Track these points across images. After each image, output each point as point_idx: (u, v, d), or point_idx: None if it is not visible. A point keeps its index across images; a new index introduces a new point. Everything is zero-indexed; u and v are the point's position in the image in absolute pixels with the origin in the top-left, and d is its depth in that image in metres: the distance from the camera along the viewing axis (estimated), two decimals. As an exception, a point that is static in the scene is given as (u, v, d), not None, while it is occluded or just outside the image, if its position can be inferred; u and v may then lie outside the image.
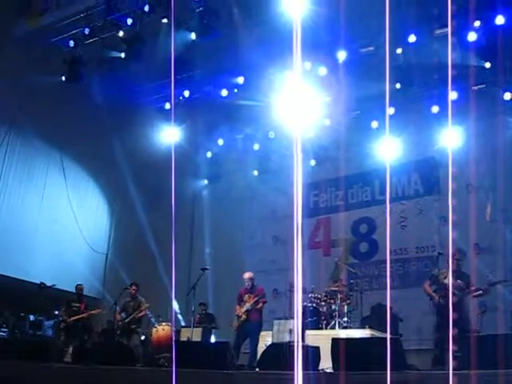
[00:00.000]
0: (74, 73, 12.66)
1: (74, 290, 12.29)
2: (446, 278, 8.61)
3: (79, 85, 12.85)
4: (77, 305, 11.39)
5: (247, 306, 10.15)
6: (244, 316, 10.14)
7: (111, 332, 11.40)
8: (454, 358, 5.98)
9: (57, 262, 13.42)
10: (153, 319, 11.70)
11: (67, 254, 13.84)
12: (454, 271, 8.54)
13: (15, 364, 8.42)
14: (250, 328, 10.14)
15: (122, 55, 12.31)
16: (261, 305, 10.24)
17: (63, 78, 12.80)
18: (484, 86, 11.98)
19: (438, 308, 8.49)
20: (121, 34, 12.16)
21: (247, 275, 10.57)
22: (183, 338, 11.09)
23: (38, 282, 11.84)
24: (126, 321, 10.66)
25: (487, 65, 11.38)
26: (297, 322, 8.42)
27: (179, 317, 13.26)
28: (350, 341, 7.62)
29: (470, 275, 8.73)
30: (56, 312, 11.38)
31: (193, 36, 11.68)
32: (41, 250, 13.52)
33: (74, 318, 11.19)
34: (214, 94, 13.95)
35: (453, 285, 8.42)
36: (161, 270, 13.44)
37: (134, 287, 11.13)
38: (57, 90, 12.84)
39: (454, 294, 8.25)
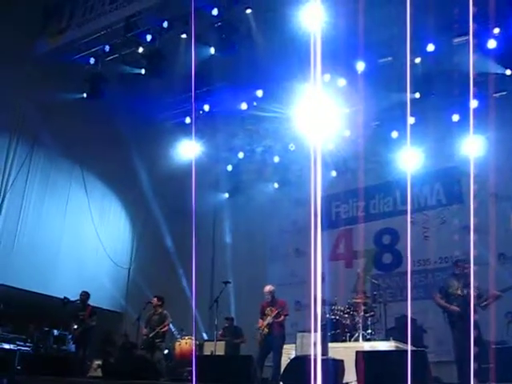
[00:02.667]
0: (94, 89, 12.83)
1: (97, 305, 12.36)
2: (457, 289, 8.48)
3: (100, 101, 13.01)
4: (82, 313, 11.43)
5: (269, 319, 10.11)
6: (266, 330, 10.09)
7: (129, 345, 11.41)
8: (480, 370, 5.89)
9: (80, 276, 13.51)
10: (176, 333, 11.71)
11: (90, 269, 13.94)
12: (460, 280, 8.44)
13: (40, 379, 8.47)
14: (273, 341, 10.09)
15: (142, 71, 12.46)
16: (282, 317, 10.19)
17: (84, 95, 12.98)
18: (505, 93, 11.88)
19: (454, 320, 8.37)
20: (140, 50, 12.31)
21: (267, 288, 10.53)
22: (206, 352, 11.07)
23: (62, 297, 11.92)
24: (151, 335, 10.66)
25: (508, 72, 11.29)
26: (315, 335, 8.37)
27: (202, 331, 13.25)
28: (374, 353, 7.54)
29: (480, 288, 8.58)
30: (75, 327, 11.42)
31: (212, 51, 11.78)
32: (64, 265, 13.64)
33: (80, 329, 11.25)
34: (233, 108, 14.01)
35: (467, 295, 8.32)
36: (183, 284, 13.48)
37: (155, 299, 11.13)
38: (78, 107, 13.01)
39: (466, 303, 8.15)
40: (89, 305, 11.67)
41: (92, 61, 12.72)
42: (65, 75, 12.72)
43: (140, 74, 12.52)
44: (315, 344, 9.30)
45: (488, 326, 8.57)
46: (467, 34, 9.60)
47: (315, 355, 8.95)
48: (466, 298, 8.15)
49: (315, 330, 9.42)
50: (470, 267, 8.49)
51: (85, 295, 11.69)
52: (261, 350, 10.12)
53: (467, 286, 8.36)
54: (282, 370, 8.37)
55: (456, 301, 8.38)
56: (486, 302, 8.28)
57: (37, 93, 12.35)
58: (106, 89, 12.87)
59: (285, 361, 9.30)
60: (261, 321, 10.30)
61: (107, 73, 12.83)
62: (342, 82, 12.51)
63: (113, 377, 8.45)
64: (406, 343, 9.54)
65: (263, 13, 11.37)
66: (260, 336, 10.18)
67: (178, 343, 11.24)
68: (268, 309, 10.25)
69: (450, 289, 8.56)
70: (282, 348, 10.07)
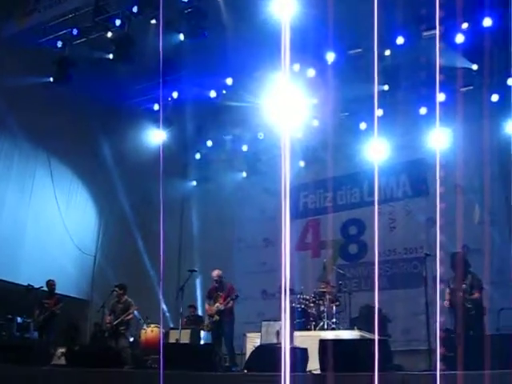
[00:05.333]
0: (62, 74, 12.59)
1: (62, 292, 12.24)
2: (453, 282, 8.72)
3: (67, 86, 12.78)
4: (47, 301, 11.34)
5: (219, 306, 10.17)
6: (217, 316, 10.17)
7: (99, 334, 11.34)
8: (445, 358, 6.01)
9: (45, 263, 13.32)
10: (141, 321, 11.66)
11: (55, 256, 13.75)
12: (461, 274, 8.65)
13: (2, 367, 8.37)
14: (224, 327, 10.18)
15: (111, 56, 12.26)
16: (232, 303, 10.27)
17: (51, 79, 12.74)
18: (472, 87, 12.05)
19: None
20: (109, 34, 12.11)
21: (215, 273, 10.59)
22: (171, 340, 11.06)
23: (26, 284, 11.77)
24: (115, 323, 10.60)
25: (474, 67, 11.45)
26: (281, 324, 8.42)
27: (168, 318, 13.23)
28: (337, 342, 7.62)
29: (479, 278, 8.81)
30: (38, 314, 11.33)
31: (181, 37, 11.67)
32: (29, 252, 13.43)
33: (42, 316, 11.16)
34: (202, 95, 13.94)
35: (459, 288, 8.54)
36: (150, 272, 13.41)
37: (118, 289, 11.06)
38: (45, 91, 12.77)
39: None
40: (56, 293, 11.58)
41: (59, 44, 12.46)
42: (31, 58, 12.48)
43: (108, 58, 12.32)
44: (279, 332, 9.42)
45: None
46: (436, 27, 9.71)
47: (281, 343, 9.05)
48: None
49: (284, 319, 9.53)
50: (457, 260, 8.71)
51: (52, 283, 11.59)
52: (213, 337, 10.22)
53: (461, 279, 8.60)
54: (247, 357, 8.42)
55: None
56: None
57: (2, 76, 12.09)
58: (74, 73, 12.63)
59: (250, 349, 9.36)
60: (208, 306, 10.38)
61: (75, 57, 12.59)
62: (311, 72, 12.54)
63: (77, 364, 8.39)
64: (370, 332, 9.69)
65: (234, 0, 11.31)
66: (210, 323, 10.26)
67: (143, 331, 11.21)
68: (216, 294, 10.32)
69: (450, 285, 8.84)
70: (233, 333, 10.18)
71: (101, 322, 11.49)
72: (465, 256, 9.07)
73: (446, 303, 8.71)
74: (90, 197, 15.58)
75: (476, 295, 8.63)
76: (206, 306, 10.56)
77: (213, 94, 13.84)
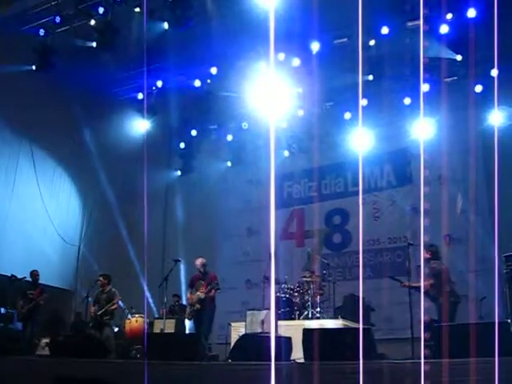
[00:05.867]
0: (44, 62, 12.44)
1: (46, 282, 12.18)
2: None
3: (50, 74, 12.64)
4: (32, 292, 11.30)
5: (201, 295, 10.17)
6: (198, 305, 10.18)
7: (81, 324, 11.31)
8: (428, 347, 6.08)
9: (28, 253, 13.22)
10: (126, 311, 11.64)
11: (38, 246, 13.65)
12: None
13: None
14: (204, 315, 10.20)
15: (94, 44, 12.13)
16: (213, 292, 10.28)
17: (33, 67, 12.59)
18: (456, 78, 12.11)
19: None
20: (92, 22, 11.96)
21: (199, 261, 10.58)
22: (156, 330, 11.06)
23: (9, 275, 11.68)
24: (99, 313, 10.57)
25: (459, 57, 11.51)
26: (268, 313, 8.46)
27: (153, 308, 13.21)
28: (320, 331, 7.65)
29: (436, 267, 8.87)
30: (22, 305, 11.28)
31: (165, 26, 11.58)
32: (12, 242, 13.30)
33: (26, 307, 11.13)
34: (187, 85, 13.86)
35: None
36: (134, 262, 13.38)
37: (102, 278, 11.02)
38: (27, 79, 12.61)
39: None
40: (39, 284, 11.53)
41: (42, 32, 12.30)
42: (13, 46, 12.28)
43: (91, 47, 12.19)
44: (264, 322, 9.46)
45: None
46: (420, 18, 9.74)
47: (265, 332, 9.09)
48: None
49: (270, 308, 9.58)
50: (432, 251, 8.78)
51: (36, 274, 11.53)
52: (195, 326, 10.24)
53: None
54: (231, 347, 8.44)
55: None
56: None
57: (-17, 64, 11.94)
58: (56, 61, 12.48)
59: (234, 338, 9.39)
60: (189, 294, 10.39)
61: (57, 45, 12.45)
62: (296, 61, 12.52)
63: (61, 355, 8.36)
64: (354, 321, 9.76)
65: (219, -11, 11.25)
66: (191, 311, 10.27)
67: (128, 321, 11.19)
68: (198, 282, 10.32)
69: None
70: (212, 320, 10.21)
71: (84, 312, 11.45)
72: (432, 248, 9.08)
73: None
74: (74, 186, 15.45)
75: (418, 284, 8.69)
76: (188, 295, 10.55)
77: (197, 83, 13.77)
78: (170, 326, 10.91)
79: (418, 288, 8.68)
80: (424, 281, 8.62)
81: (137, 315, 11.23)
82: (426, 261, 8.91)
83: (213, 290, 10.27)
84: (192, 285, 10.48)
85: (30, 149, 14.07)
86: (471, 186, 12.28)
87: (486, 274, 10.95)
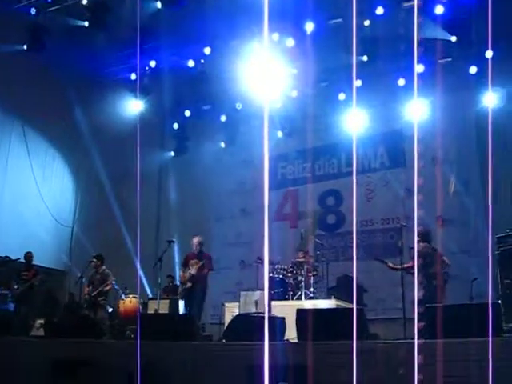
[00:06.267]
0: (36, 41, 12.33)
1: (40, 264, 12.19)
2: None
3: (42, 54, 12.52)
4: (26, 273, 11.32)
5: (192, 271, 10.15)
6: (189, 284, 10.17)
7: (74, 305, 11.34)
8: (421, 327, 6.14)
9: (21, 234, 13.20)
10: (120, 291, 11.67)
11: (32, 227, 13.63)
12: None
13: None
14: (196, 296, 10.19)
15: (86, 24, 12.02)
16: (206, 271, 10.28)
17: (25, 47, 12.47)
18: (450, 59, 12.07)
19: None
20: (84, 1, 11.83)
21: (196, 240, 10.57)
22: (150, 311, 11.10)
23: (3, 256, 11.67)
24: (93, 294, 10.60)
25: (453, 38, 11.45)
26: (262, 293, 8.50)
27: (146, 289, 13.25)
28: (314, 311, 7.71)
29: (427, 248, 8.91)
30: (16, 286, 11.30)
31: (159, 5, 11.47)
32: (5, 224, 13.26)
33: (20, 288, 11.15)
34: (180, 65, 13.75)
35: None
36: (128, 242, 13.38)
37: (95, 259, 11.04)
38: (18, 59, 12.50)
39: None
40: (33, 265, 11.53)
41: (33, 11, 12.17)
42: (4, 26, 12.18)
43: (84, 26, 12.09)
44: (257, 302, 9.51)
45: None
46: (416, -2, 9.68)
47: (259, 313, 9.14)
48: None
49: (263, 289, 9.61)
50: (421, 230, 8.81)
51: (30, 255, 11.53)
52: (185, 305, 10.24)
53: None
54: (225, 327, 8.49)
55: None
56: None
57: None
58: (48, 41, 12.38)
59: (228, 318, 9.44)
60: (182, 273, 10.39)
61: (49, 24, 12.32)
62: (290, 41, 12.43)
63: (55, 336, 8.39)
64: (347, 302, 9.83)
65: (212, -32, 11.13)
66: (182, 290, 10.27)
67: (122, 302, 11.22)
68: (193, 261, 10.31)
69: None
70: (203, 300, 10.21)
71: (78, 293, 11.48)
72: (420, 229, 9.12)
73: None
74: (67, 167, 15.39)
75: (403, 265, 8.74)
76: (180, 273, 10.53)
77: (191, 63, 13.66)
78: (163, 307, 10.95)
79: (405, 269, 8.75)
80: (411, 262, 8.69)
81: (131, 296, 11.26)
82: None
83: (205, 269, 10.26)
84: (185, 264, 10.47)
85: (22, 129, 13.99)
86: (465, 167, 12.33)
87: (477, 256, 11.02)
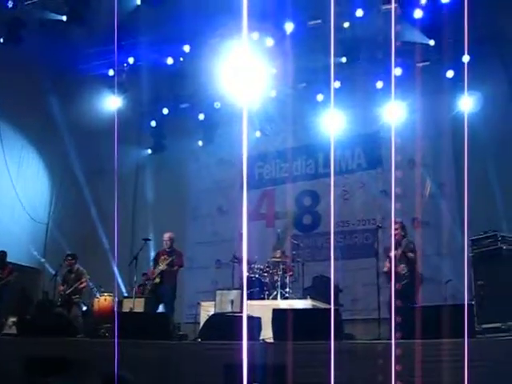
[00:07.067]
0: (12, 35, 12.16)
1: (13, 261, 12.03)
2: (390, 251, 8.88)
3: (18, 48, 12.35)
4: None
5: (162, 266, 10.10)
6: (157, 279, 10.11)
7: (48, 303, 11.22)
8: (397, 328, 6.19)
9: (-5, 231, 13.03)
10: (95, 289, 11.57)
11: (6, 224, 13.42)
12: (397, 242, 8.84)
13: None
14: (164, 292, 10.12)
15: (64, 18, 11.90)
16: (176, 267, 10.24)
17: (1, 40, 12.30)
18: (428, 63, 12.19)
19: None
20: (63, -5, 11.74)
21: (167, 236, 10.53)
22: (125, 309, 11.01)
23: (-26, 253, 11.51)
24: (67, 292, 10.50)
25: (431, 42, 11.58)
26: (238, 292, 8.49)
27: (122, 287, 13.16)
28: (289, 311, 7.73)
29: (413, 242, 9.02)
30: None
31: (138, 1, 11.41)
32: (-22, 219, 13.10)
33: None
34: (159, 62, 13.67)
35: (402, 256, 8.75)
36: (103, 240, 13.27)
37: (69, 258, 10.95)
38: (-6, 53, 12.34)
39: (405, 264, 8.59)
40: (7, 264, 11.38)
41: (10, 4, 11.99)
42: (-21, 18, 12.02)
43: (61, 20, 11.96)
44: (233, 301, 9.49)
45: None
46: (394, 1, 9.77)
47: (235, 312, 9.13)
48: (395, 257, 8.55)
49: (240, 288, 9.59)
50: (399, 228, 8.90)
51: (2, 254, 11.38)
52: (150, 301, 10.14)
53: (399, 245, 8.81)
54: (201, 326, 8.47)
55: (390, 262, 8.80)
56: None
57: None
58: (25, 35, 12.21)
59: (204, 317, 9.41)
60: (152, 269, 10.33)
61: (26, 18, 12.17)
62: (269, 41, 12.44)
63: (28, 334, 8.29)
64: (322, 302, 9.87)
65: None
66: (150, 286, 10.20)
67: (96, 300, 11.12)
68: (163, 257, 10.27)
69: (389, 252, 9.00)
70: (173, 298, 10.15)
71: (51, 291, 11.36)
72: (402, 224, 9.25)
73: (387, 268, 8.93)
74: (42, 163, 15.20)
75: (410, 254, 8.84)
76: (150, 269, 10.46)
77: (170, 60, 13.59)
78: (139, 305, 10.87)
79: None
80: (401, 259, 8.77)
81: (105, 294, 11.17)
82: (401, 238, 9.05)
83: (175, 266, 10.20)
84: (156, 260, 10.43)
85: (-4, 125, 13.79)
86: (441, 170, 12.45)
87: (452, 258, 11.16)
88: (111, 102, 13.84)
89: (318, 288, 10.82)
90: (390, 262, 8.77)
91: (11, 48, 12.30)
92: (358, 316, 11.76)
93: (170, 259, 10.12)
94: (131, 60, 13.69)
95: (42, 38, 12.32)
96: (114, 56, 13.14)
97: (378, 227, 9.67)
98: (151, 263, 11.20)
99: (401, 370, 4.81)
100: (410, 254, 8.88)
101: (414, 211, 11.16)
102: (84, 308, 11.44)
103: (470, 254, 8.73)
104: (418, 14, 11.02)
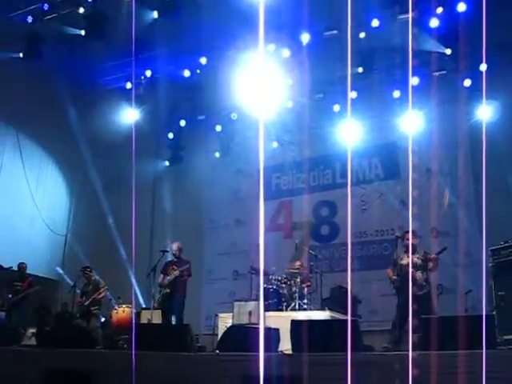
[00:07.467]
0: (32, 49, 12.37)
1: (32, 272, 12.12)
2: (402, 259, 8.80)
3: (38, 62, 12.54)
4: (19, 283, 11.26)
5: (171, 277, 10.09)
6: (167, 289, 10.11)
7: (67, 314, 11.28)
8: (415, 337, 6.12)
9: (14, 243, 13.13)
10: (113, 301, 11.61)
11: (25, 236, 13.56)
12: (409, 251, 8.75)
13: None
14: (174, 303, 10.11)
15: (83, 32, 12.06)
16: (186, 277, 10.23)
17: (21, 55, 12.49)
18: (445, 72, 12.15)
19: (397, 289, 8.68)
20: (81, 10, 11.89)
21: (175, 245, 10.55)
22: (143, 320, 11.03)
23: (-5, 264, 11.62)
24: (86, 304, 10.56)
25: (448, 51, 11.54)
26: (256, 304, 8.46)
27: (140, 298, 13.19)
28: (308, 322, 7.69)
29: (427, 251, 8.90)
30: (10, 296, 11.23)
31: (155, 15, 11.52)
32: (-2, 231, 13.23)
33: (16, 297, 11.09)
34: (176, 75, 13.79)
35: (411, 264, 8.62)
36: (121, 252, 13.33)
37: (87, 271, 11.01)
38: (14, 67, 12.51)
39: (413, 272, 8.46)
40: (27, 276, 11.48)
41: (30, 19, 12.19)
42: (0, 33, 12.19)
43: (80, 35, 12.12)
44: (251, 313, 9.47)
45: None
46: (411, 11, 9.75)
47: (253, 324, 9.10)
48: (408, 266, 8.42)
49: (257, 299, 9.57)
50: (414, 238, 8.80)
51: (23, 266, 11.47)
52: (162, 312, 10.14)
53: (413, 255, 8.68)
54: (219, 338, 8.45)
55: (400, 270, 8.67)
56: (431, 265, 8.59)
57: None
58: (44, 49, 12.42)
59: (222, 329, 9.40)
60: (161, 280, 10.30)
61: (46, 32, 12.37)
62: (286, 52, 12.48)
63: (48, 345, 8.33)
64: (341, 313, 9.80)
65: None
66: (160, 296, 10.20)
67: (114, 311, 11.15)
68: (171, 268, 10.28)
69: (398, 260, 8.87)
70: (182, 309, 10.13)
71: (70, 303, 11.42)
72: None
73: (394, 279, 8.78)
74: (61, 175, 15.36)
75: (432, 264, 8.71)
76: (160, 280, 10.46)
77: (187, 73, 13.70)
78: (157, 317, 10.89)
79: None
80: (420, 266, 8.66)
81: (124, 305, 11.20)
82: (414, 247, 8.94)
83: (185, 276, 10.21)
84: (165, 271, 10.44)
85: (16, 137, 13.96)
86: (459, 179, 12.35)
87: (471, 268, 11.03)
88: (129, 115, 13.96)
89: (336, 299, 10.76)
90: (401, 270, 8.66)
91: (31, 62, 12.48)
92: (376, 327, 11.66)
93: (180, 270, 10.14)
94: (149, 73, 13.82)
95: (60, 52, 12.49)
96: (132, 69, 13.26)
97: (397, 237, 9.59)
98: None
99: (420, 382, 4.77)
100: (421, 262, 8.73)
101: (433, 221, 11.08)
102: (102, 319, 11.48)
103: (490, 264, 8.64)
104: (434, 23, 11.01)
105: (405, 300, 7.68)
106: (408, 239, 8.60)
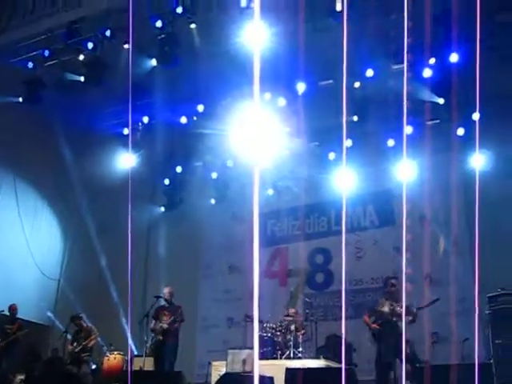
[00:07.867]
0: (31, 94, 12.53)
1: (23, 317, 11.97)
2: (383, 306, 8.73)
3: (37, 106, 12.69)
4: (9, 326, 11.10)
5: (164, 325, 10.00)
6: (160, 337, 10.00)
7: (57, 360, 11.11)
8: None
9: (6, 287, 13.02)
10: (105, 348, 11.45)
11: (17, 279, 13.46)
12: (391, 298, 8.69)
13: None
14: (167, 350, 9.99)
15: (82, 79, 12.25)
16: (177, 324, 10.14)
17: (20, 99, 12.64)
18: (438, 121, 12.33)
19: (376, 337, 8.61)
20: (81, 57, 12.11)
21: (167, 290, 10.50)
22: (135, 368, 10.86)
23: (-15, 307, 11.49)
24: (76, 350, 10.41)
25: (441, 101, 11.73)
26: (251, 352, 8.35)
27: (132, 345, 13.00)
28: (303, 370, 7.59)
29: (410, 305, 8.81)
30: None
31: (153, 62, 11.73)
32: (-11, 275, 13.12)
33: (4, 342, 10.93)
34: (173, 121, 13.94)
35: (391, 312, 8.55)
36: (114, 298, 13.21)
37: (76, 320, 10.91)
38: (13, 111, 12.66)
39: (391, 320, 8.38)
40: (18, 319, 11.34)
41: (30, 65, 12.41)
42: (1, 78, 12.37)
43: (79, 81, 12.31)
44: (245, 361, 9.35)
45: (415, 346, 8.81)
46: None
47: (247, 372, 8.98)
48: (390, 314, 8.35)
49: (251, 347, 9.46)
50: (398, 285, 8.75)
51: (14, 308, 11.36)
52: (155, 359, 10.00)
53: (396, 303, 8.60)
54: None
55: (381, 318, 8.59)
56: (410, 319, 8.48)
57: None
58: (44, 94, 12.58)
59: (215, 377, 9.26)
60: (153, 325, 10.20)
61: (45, 78, 12.55)
62: (282, 101, 12.67)
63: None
64: (336, 361, 9.68)
65: (207, 28, 11.43)
66: (153, 343, 10.08)
67: (106, 358, 11.00)
68: (162, 313, 10.18)
69: (378, 307, 8.79)
70: (175, 357, 10.01)
71: (62, 349, 11.26)
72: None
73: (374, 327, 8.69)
74: (56, 220, 15.35)
75: (411, 318, 8.60)
76: (152, 326, 10.34)
77: (183, 120, 13.86)
78: (149, 364, 10.73)
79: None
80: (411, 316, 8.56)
81: (115, 352, 11.05)
82: (397, 295, 8.86)
83: (177, 323, 10.12)
84: (157, 316, 10.33)
85: (13, 180, 14.01)
86: (452, 227, 12.39)
87: (467, 315, 10.95)
88: (126, 160, 14.04)
89: (331, 348, 10.66)
90: (381, 317, 8.58)
91: (29, 107, 12.63)
92: (373, 376, 11.49)
93: (173, 318, 10.05)
94: (146, 119, 13.97)
95: (60, 98, 12.65)
96: (129, 115, 13.41)
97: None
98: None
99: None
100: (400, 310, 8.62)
101: (428, 268, 11.06)
102: (93, 366, 11.29)
103: (487, 312, 8.60)
104: (427, 73, 11.24)
105: (386, 347, 7.64)
106: (392, 285, 8.59)
